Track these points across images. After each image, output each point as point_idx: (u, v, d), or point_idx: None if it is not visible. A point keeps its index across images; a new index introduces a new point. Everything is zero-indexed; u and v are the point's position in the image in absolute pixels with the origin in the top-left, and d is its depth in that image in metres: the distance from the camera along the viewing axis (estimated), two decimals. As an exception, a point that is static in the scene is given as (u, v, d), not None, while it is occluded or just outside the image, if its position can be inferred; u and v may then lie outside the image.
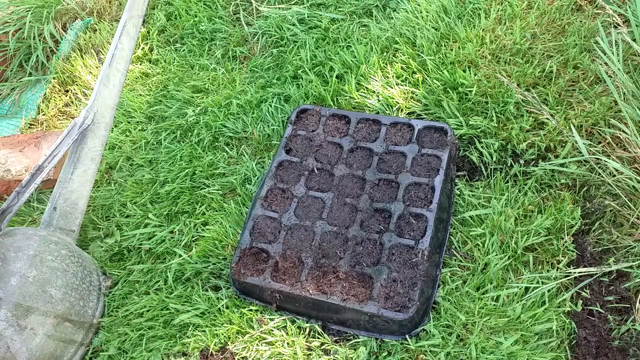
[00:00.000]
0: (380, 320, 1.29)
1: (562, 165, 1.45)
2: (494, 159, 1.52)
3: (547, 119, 1.49)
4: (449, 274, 1.38)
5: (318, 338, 1.37)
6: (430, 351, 1.28)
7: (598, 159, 1.39)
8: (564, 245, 1.35)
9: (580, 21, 1.70)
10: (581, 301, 1.29)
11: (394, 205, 1.44)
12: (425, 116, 1.67)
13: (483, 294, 1.33)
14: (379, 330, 1.33)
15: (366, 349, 1.31)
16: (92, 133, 1.65)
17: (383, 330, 1.32)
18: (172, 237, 1.67)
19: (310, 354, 1.34)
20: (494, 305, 1.30)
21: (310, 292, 1.34)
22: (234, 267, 1.45)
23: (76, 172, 1.63)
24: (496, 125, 1.55)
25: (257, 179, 1.71)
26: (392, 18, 1.96)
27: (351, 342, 1.35)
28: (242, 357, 1.37)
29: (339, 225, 1.45)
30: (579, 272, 1.30)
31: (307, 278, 1.37)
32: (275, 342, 1.37)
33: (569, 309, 1.28)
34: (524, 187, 1.47)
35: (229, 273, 1.52)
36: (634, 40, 1.45)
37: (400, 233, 1.40)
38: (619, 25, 1.54)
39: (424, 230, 1.38)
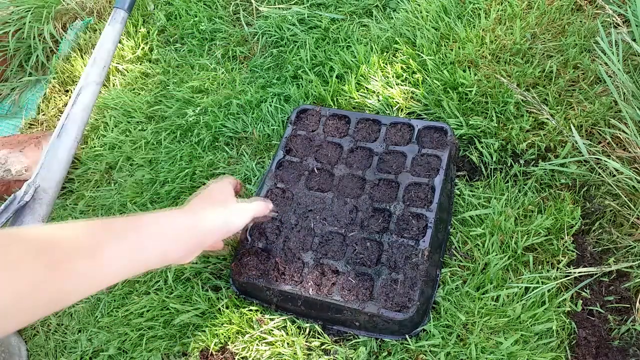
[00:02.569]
0: (380, 320, 1.29)
1: (562, 165, 1.45)
2: (494, 159, 1.52)
3: (547, 119, 1.49)
4: (449, 274, 1.38)
5: (318, 338, 1.37)
6: (430, 351, 1.28)
7: (598, 159, 1.39)
8: (564, 245, 1.35)
9: (580, 21, 1.70)
10: (581, 301, 1.29)
11: (394, 205, 1.44)
12: (425, 116, 1.67)
13: (483, 294, 1.32)
14: (379, 330, 1.33)
15: (366, 349, 1.31)
16: (30, 210, 1.49)
17: (383, 330, 1.32)
18: (172, 237, 1.67)
19: (310, 354, 1.34)
20: (494, 305, 1.30)
21: (310, 292, 1.34)
22: (233, 266, 1.45)
23: None
24: (496, 125, 1.55)
25: (257, 179, 1.71)
26: (392, 18, 1.96)
27: (351, 342, 1.35)
28: (242, 357, 1.38)
29: (339, 225, 1.45)
30: (579, 272, 1.30)
31: (307, 278, 1.37)
32: (275, 342, 1.37)
33: (569, 309, 1.28)
34: (524, 187, 1.47)
35: (229, 273, 1.52)
36: (634, 40, 1.45)
37: (401, 233, 1.40)
38: (619, 25, 1.54)
39: (424, 230, 1.38)
